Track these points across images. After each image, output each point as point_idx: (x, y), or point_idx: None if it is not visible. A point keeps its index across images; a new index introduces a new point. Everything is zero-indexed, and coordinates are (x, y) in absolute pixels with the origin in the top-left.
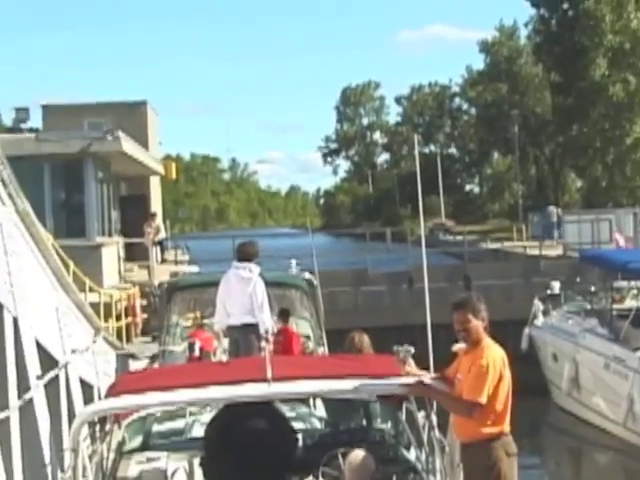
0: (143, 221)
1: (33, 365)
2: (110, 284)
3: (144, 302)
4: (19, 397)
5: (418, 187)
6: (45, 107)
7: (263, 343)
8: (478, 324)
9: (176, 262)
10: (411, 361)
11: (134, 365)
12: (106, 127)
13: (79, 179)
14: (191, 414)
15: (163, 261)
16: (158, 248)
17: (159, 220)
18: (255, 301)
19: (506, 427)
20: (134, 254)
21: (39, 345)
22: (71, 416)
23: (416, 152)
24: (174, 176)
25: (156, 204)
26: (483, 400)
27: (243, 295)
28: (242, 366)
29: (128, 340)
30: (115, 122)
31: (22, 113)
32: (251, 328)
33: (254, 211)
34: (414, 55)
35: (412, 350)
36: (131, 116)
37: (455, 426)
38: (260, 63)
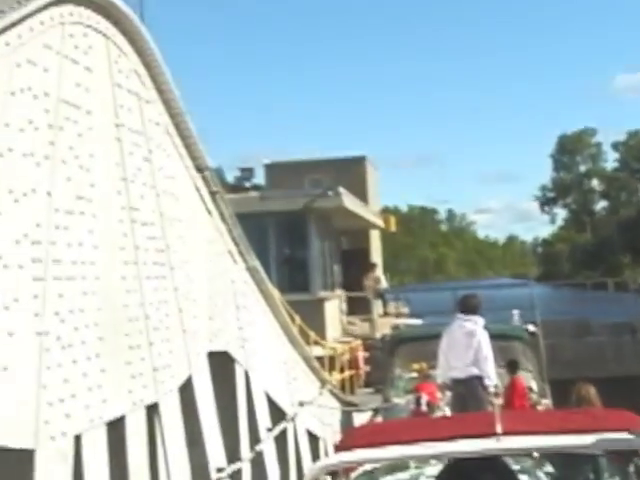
0: (364, 274)
1: (263, 417)
2: (333, 337)
3: (367, 354)
4: (251, 449)
5: None
6: (268, 166)
7: (491, 397)
8: None
9: (397, 315)
10: None
11: (358, 417)
12: (326, 183)
13: (302, 235)
14: (416, 467)
15: (385, 314)
16: (380, 301)
17: (379, 271)
18: (480, 354)
19: None
20: (356, 307)
21: (268, 398)
22: (299, 468)
23: None
24: (393, 229)
25: (376, 257)
26: None
27: (467, 348)
28: (470, 420)
29: (351, 392)
30: (335, 178)
31: (247, 173)
32: (477, 381)
33: (472, 261)
34: (631, 99)
35: None
36: (350, 171)
37: None
38: (474, 113)
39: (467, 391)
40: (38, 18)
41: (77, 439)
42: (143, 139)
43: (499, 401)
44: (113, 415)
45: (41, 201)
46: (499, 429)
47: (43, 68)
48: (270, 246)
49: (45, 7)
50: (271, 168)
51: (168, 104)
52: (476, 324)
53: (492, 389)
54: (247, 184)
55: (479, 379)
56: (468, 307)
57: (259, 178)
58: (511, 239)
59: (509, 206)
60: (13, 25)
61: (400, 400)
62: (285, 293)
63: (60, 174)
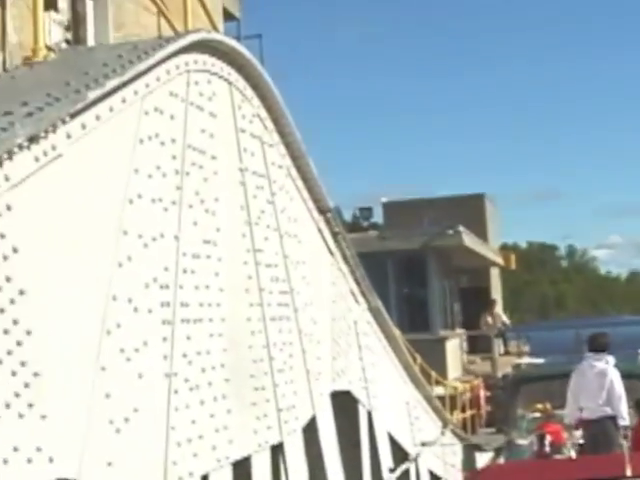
0: (484, 312)
1: (386, 458)
2: (454, 376)
3: (488, 394)
4: None
5: None
6: (386, 204)
7: (621, 438)
8: None
9: (519, 353)
10: None
11: (480, 458)
12: (445, 221)
13: (421, 274)
14: None
15: (506, 353)
16: (501, 340)
17: (499, 308)
18: (613, 393)
19: None
20: (476, 346)
21: (391, 438)
22: None
23: None
24: (513, 266)
25: (496, 295)
26: None
27: (599, 388)
28: (598, 462)
29: (473, 432)
30: (454, 216)
31: (365, 212)
32: (610, 421)
33: (593, 298)
34: None
35: None
36: (469, 209)
37: None
38: (594, 147)
39: (600, 432)
40: (164, 67)
41: (204, 479)
42: (266, 182)
43: (628, 442)
44: (239, 455)
45: (169, 245)
46: (629, 472)
47: (170, 115)
48: (390, 285)
49: (171, 56)
50: (389, 207)
51: (290, 147)
52: (607, 363)
53: (625, 432)
54: (365, 223)
55: (612, 419)
56: (598, 346)
57: (376, 216)
58: (633, 274)
59: (631, 241)
60: (141, 75)
61: (523, 440)
62: (405, 332)
63: (187, 218)
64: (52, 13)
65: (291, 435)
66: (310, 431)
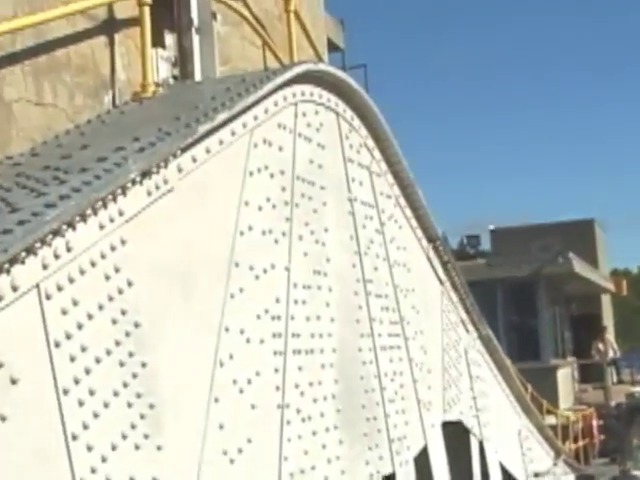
0: (595, 340)
1: None
2: (565, 406)
3: (600, 423)
4: None
5: None
6: (493, 231)
7: None
8: None
9: (632, 382)
10: None
11: None
12: (554, 248)
13: (531, 302)
14: None
15: (619, 381)
16: (613, 368)
17: (610, 335)
18: None
19: None
20: (588, 375)
21: (503, 469)
22: None
23: None
24: (625, 293)
25: (607, 322)
26: None
27: None
28: None
29: (586, 462)
30: (562, 242)
31: (473, 240)
32: None
33: None
34: None
35: None
36: (579, 235)
37: None
38: None
39: None
40: (272, 99)
41: None
42: (375, 212)
43: None
44: None
45: (280, 276)
46: None
47: (278, 147)
48: (499, 313)
49: (278, 88)
50: (496, 234)
51: (398, 175)
52: None
53: None
54: (471, 250)
55: None
56: None
57: (484, 244)
58: None
59: None
60: (249, 107)
61: (638, 471)
62: (515, 361)
63: (297, 249)
64: (159, 50)
65: (403, 466)
66: (422, 461)
